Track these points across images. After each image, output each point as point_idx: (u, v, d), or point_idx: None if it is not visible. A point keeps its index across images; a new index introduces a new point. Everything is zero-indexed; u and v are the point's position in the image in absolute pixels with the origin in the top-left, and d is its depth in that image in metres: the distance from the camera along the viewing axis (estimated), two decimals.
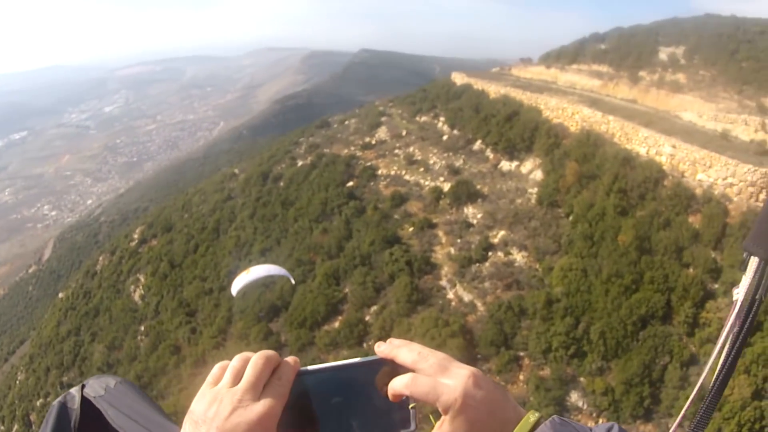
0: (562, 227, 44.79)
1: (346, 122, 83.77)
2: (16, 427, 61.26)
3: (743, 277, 1.79)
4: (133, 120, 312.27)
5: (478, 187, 52.82)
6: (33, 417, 60.01)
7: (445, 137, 65.49)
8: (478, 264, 43.97)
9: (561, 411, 32.49)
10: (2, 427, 63.33)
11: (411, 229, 49.65)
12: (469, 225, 48.80)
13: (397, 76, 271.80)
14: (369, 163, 63.42)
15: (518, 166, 54.94)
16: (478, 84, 74.56)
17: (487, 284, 41.89)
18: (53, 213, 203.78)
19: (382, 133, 72.99)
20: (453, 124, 66.99)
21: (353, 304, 43.87)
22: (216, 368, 1.73)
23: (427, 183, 56.58)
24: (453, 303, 41.65)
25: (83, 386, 2.52)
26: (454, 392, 1.57)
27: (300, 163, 71.62)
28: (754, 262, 1.76)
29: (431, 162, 60.50)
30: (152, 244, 71.58)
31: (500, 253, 44.55)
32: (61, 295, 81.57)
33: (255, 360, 1.69)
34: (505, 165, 55.94)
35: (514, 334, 37.50)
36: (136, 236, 76.66)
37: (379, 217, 51.68)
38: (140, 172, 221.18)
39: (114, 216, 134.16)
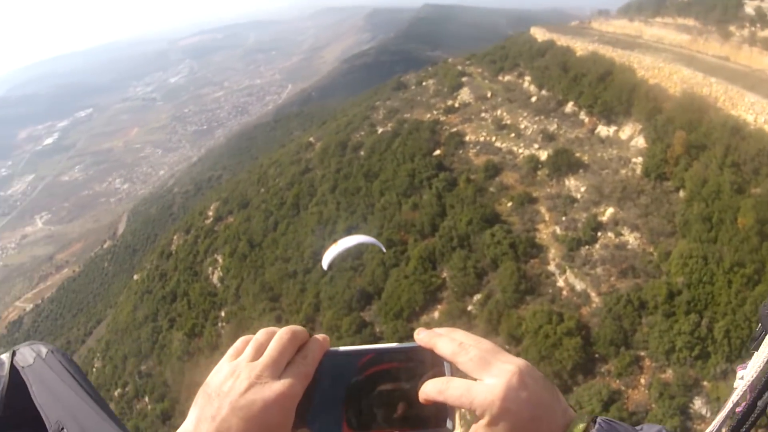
0: (674, 204, 40.67)
1: (424, 83, 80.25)
2: None
3: (754, 354, 1.74)
4: (199, 88, 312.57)
5: (578, 155, 48.88)
6: (111, 407, 58.44)
7: (533, 98, 61.59)
8: (587, 246, 40.34)
9: (684, 420, 29.77)
10: None
11: (509, 204, 46.03)
12: (573, 200, 45.00)
13: (463, 31, 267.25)
14: (455, 129, 60.05)
15: (617, 132, 50.90)
16: (561, 40, 70.49)
17: (599, 270, 38.18)
18: (125, 186, 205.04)
19: (464, 94, 69.30)
20: (540, 84, 63.04)
21: (454, 293, 40.86)
22: (239, 341, 1.64)
23: (520, 150, 52.89)
24: (564, 292, 38.33)
25: (14, 353, 2.52)
26: (491, 394, 1.45)
27: (380, 130, 68.26)
28: None
29: (522, 126, 56.82)
30: (228, 221, 69.36)
31: (610, 234, 40.76)
32: (136, 276, 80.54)
33: (280, 335, 1.61)
34: (603, 130, 51.91)
35: (634, 331, 34.17)
36: (211, 213, 74.60)
37: (472, 190, 48.08)
38: (211, 139, 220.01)
39: (188, 186, 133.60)
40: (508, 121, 58.44)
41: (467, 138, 57.59)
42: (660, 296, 34.02)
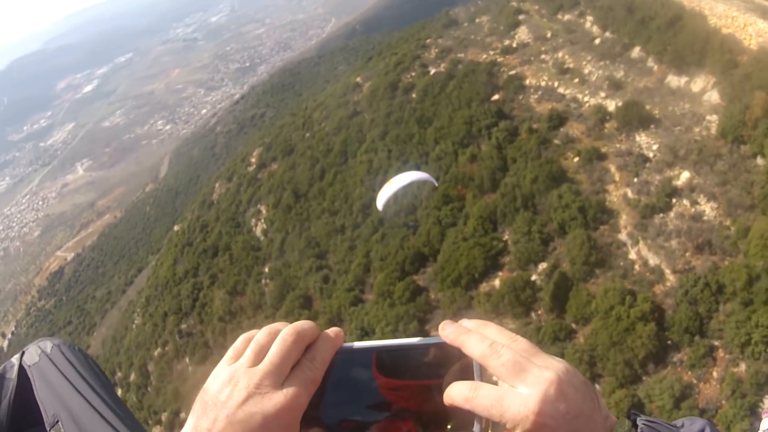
0: (753, 173, 36.77)
1: (477, 20, 75.66)
2: (133, 376, 59.51)
3: None
4: (241, 26, 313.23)
5: (648, 107, 45.07)
6: (151, 367, 58.09)
7: (597, 41, 57.22)
8: (661, 214, 37.07)
9: (753, 422, 27.02)
10: (119, 374, 61.68)
11: (576, 159, 42.61)
12: (645, 159, 41.33)
13: None
14: (513, 71, 56.07)
15: (688, 83, 46.55)
16: None
17: (674, 243, 34.97)
18: (167, 127, 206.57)
19: (522, 34, 64.89)
20: (604, 25, 58.44)
21: (516, 259, 37.90)
22: (239, 340, 1.52)
23: (586, 99, 49.20)
24: (636, 266, 35.41)
25: (23, 353, 2.55)
26: (525, 407, 1.32)
27: (432, 71, 64.11)
28: None
29: (586, 71, 52.92)
30: (272, 168, 66.72)
31: (686, 202, 37.28)
32: (176, 227, 78.75)
33: (283, 336, 1.46)
34: (673, 80, 47.67)
35: (710, 317, 31.30)
36: (254, 160, 72.05)
37: (536, 142, 44.61)
38: (254, 76, 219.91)
39: (231, 125, 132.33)
40: (571, 65, 54.46)
41: (527, 82, 53.91)
42: (739, 281, 30.92)
